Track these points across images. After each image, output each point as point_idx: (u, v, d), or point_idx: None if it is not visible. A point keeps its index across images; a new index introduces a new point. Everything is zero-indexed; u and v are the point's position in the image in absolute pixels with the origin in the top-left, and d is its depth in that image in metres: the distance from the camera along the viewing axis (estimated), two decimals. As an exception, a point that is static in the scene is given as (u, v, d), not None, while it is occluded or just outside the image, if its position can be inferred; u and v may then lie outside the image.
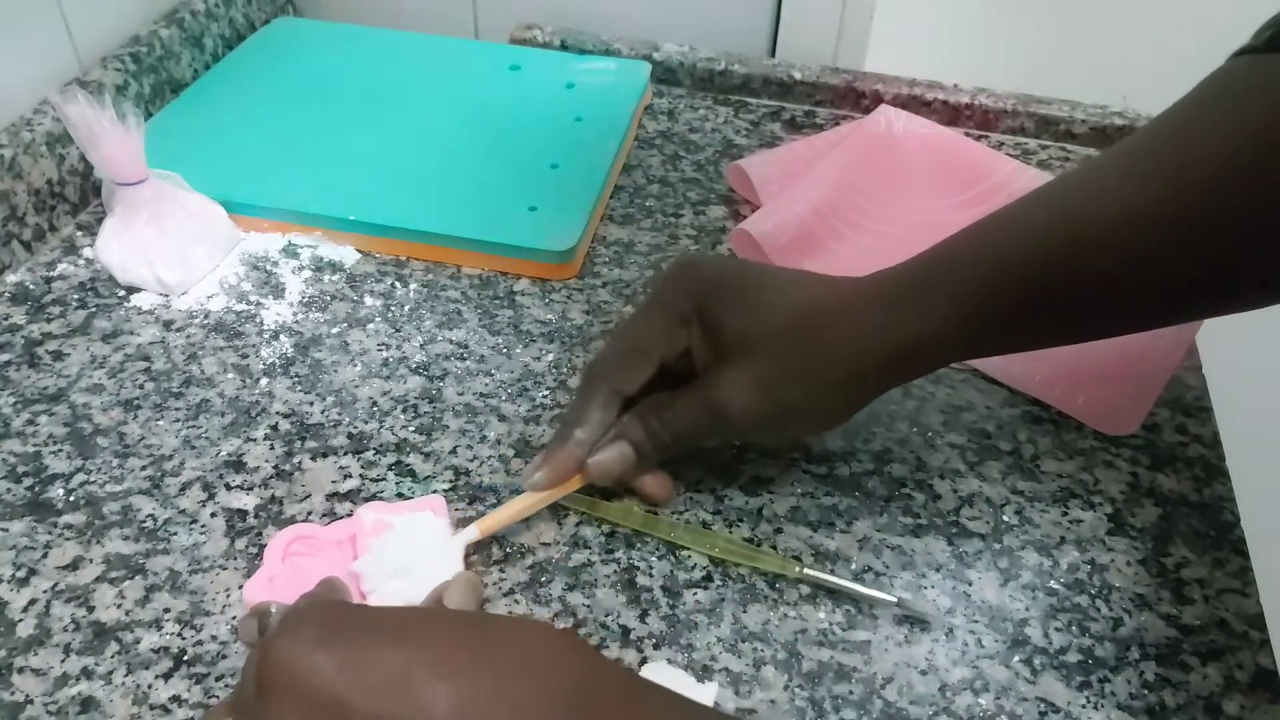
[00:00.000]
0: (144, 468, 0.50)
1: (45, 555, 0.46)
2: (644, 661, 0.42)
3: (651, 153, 0.73)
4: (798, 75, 0.77)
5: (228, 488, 0.49)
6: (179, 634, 0.43)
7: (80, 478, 0.49)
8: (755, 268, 0.48)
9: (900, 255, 0.61)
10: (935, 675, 0.42)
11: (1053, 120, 0.75)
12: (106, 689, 0.41)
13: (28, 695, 0.41)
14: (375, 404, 0.53)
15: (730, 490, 0.50)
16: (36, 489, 0.48)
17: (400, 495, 0.49)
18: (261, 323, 0.58)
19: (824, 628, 0.44)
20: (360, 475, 0.50)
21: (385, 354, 0.56)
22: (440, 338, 0.57)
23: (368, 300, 0.59)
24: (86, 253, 0.62)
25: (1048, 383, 0.54)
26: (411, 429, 0.52)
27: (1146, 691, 0.42)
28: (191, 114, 0.70)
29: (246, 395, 0.53)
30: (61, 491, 0.48)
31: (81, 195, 0.65)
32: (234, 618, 0.43)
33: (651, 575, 0.46)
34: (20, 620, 0.43)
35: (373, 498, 0.48)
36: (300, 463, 0.50)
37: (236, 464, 0.50)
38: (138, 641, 0.43)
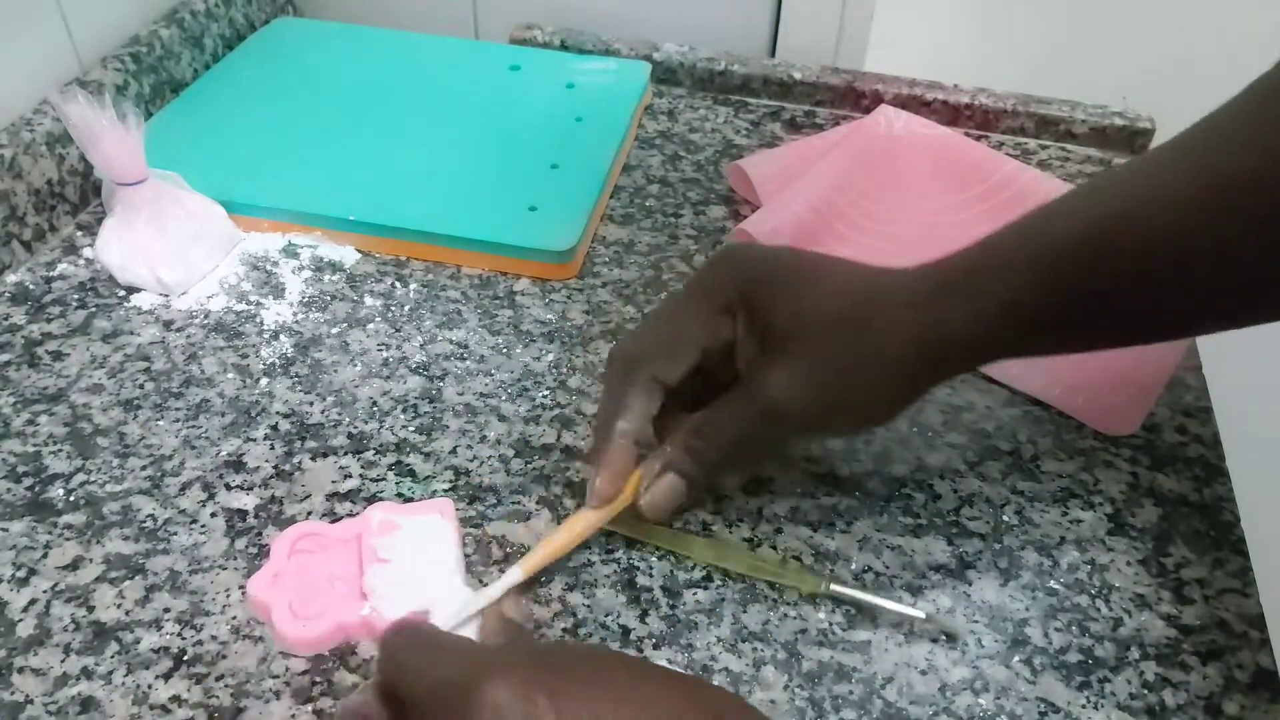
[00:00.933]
0: (144, 468, 0.50)
1: (45, 555, 0.46)
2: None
3: (651, 153, 0.73)
4: (798, 75, 0.77)
5: (228, 488, 0.49)
6: (179, 634, 0.43)
7: (80, 478, 0.49)
8: (801, 256, 0.46)
9: (900, 255, 0.61)
10: (935, 675, 0.42)
11: (1053, 120, 0.75)
12: (106, 689, 0.41)
13: (28, 695, 0.41)
14: (375, 404, 0.53)
15: (730, 490, 0.50)
16: (36, 489, 0.48)
17: (400, 495, 0.49)
18: (261, 323, 0.58)
19: (824, 628, 0.44)
20: (360, 475, 0.50)
21: (385, 354, 0.56)
22: (440, 338, 0.57)
23: (368, 300, 0.60)
24: (86, 253, 0.62)
25: (1048, 383, 0.54)
26: (411, 429, 0.52)
27: (1146, 691, 0.42)
28: (191, 114, 0.70)
29: (246, 395, 0.53)
30: (61, 491, 0.48)
31: (81, 195, 0.65)
32: (234, 617, 0.43)
33: (651, 575, 0.46)
34: (20, 620, 0.43)
35: (373, 498, 0.48)
36: (300, 463, 0.50)
37: (236, 464, 0.50)
38: (138, 641, 0.43)
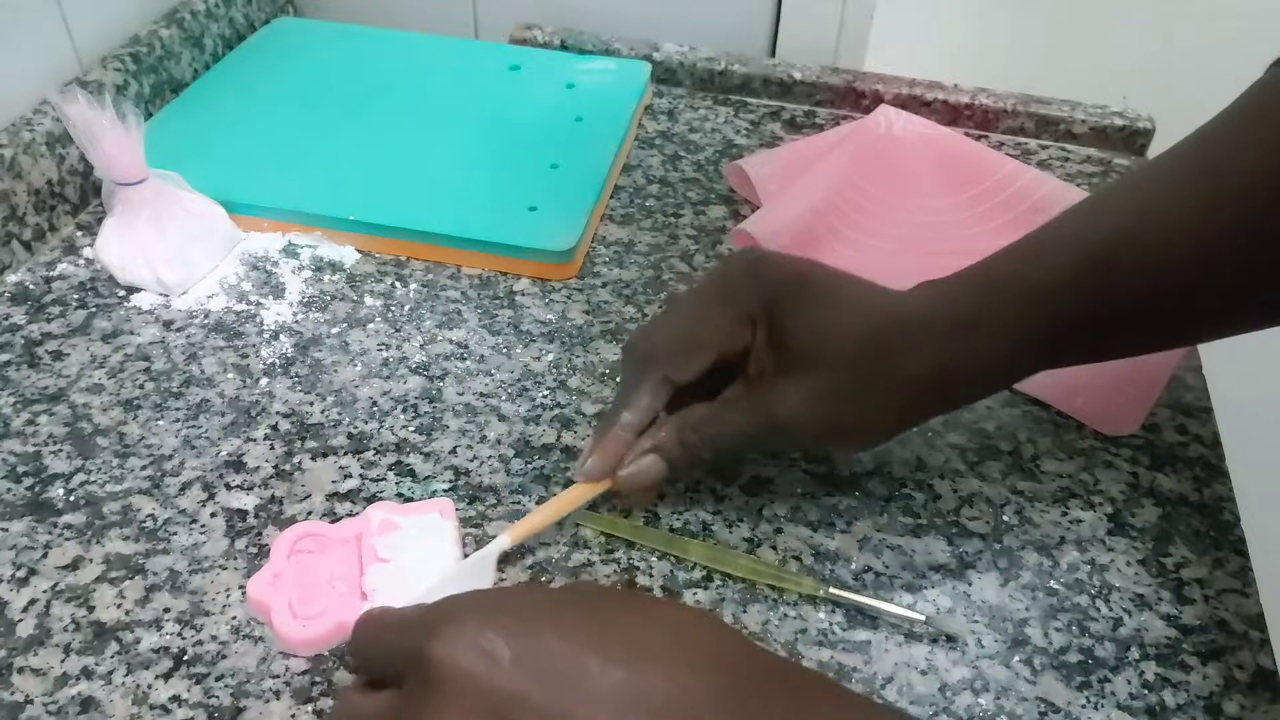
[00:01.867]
0: (144, 468, 0.50)
1: (45, 555, 0.46)
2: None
3: (651, 153, 0.73)
4: (798, 75, 0.77)
5: (228, 488, 0.49)
6: (179, 634, 0.43)
7: (80, 478, 0.49)
8: (824, 274, 0.46)
9: (900, 255, 0.61)
10: (935, 675, 0.42)
11: (1053, 120, 0.75)
12: (106, 689, 0.41)
13: (28, 695, 0.41)
14: (375, 404, 0.53)
15: (730, 490, 0.50)
16: (36, 489, 0.48)
17: (400, 495, 0.49)
18: (261, 323, 0.58)
19: (824, 628, 0.44)
20: (360, 475, 0.50)
21: (385, 354, 0.56)
22: (440, 338, 0.57)
23: (368, 300, 0.59)
24: (86, 253, 0.62)
25: (1048, 383, 0.54)
26: (411, 429, 0.52)
27: (1146, 691, 0.42)
28: (191, 114, 0.70)
29: (246, 395, 0.53)
30: (61, 491, 0.48)
31: (81, 195, 0.65)
32: (234, 617, 0.43)
33: (651, 575, 0.46)
34: (20, 620, 0.43)
35: (373, 498, 0.48)
36: (300, 463, 0.50)
37: (236, 464, 0.50)
38: (138, 641, 0.43)
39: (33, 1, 0.64)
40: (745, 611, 0.45)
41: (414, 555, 0.44)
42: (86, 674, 0.41)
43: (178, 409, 0.53)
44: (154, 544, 0.46)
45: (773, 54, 0.84)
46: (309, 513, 0.48)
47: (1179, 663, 0.43)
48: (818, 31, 0.81)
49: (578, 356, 0.56)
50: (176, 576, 0.45)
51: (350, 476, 0.50)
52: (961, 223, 0.65)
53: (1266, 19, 0.81)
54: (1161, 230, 0.42)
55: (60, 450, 0.50)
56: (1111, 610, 0.45)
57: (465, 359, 0.56)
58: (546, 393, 0.54)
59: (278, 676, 0.42)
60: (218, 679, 0.41)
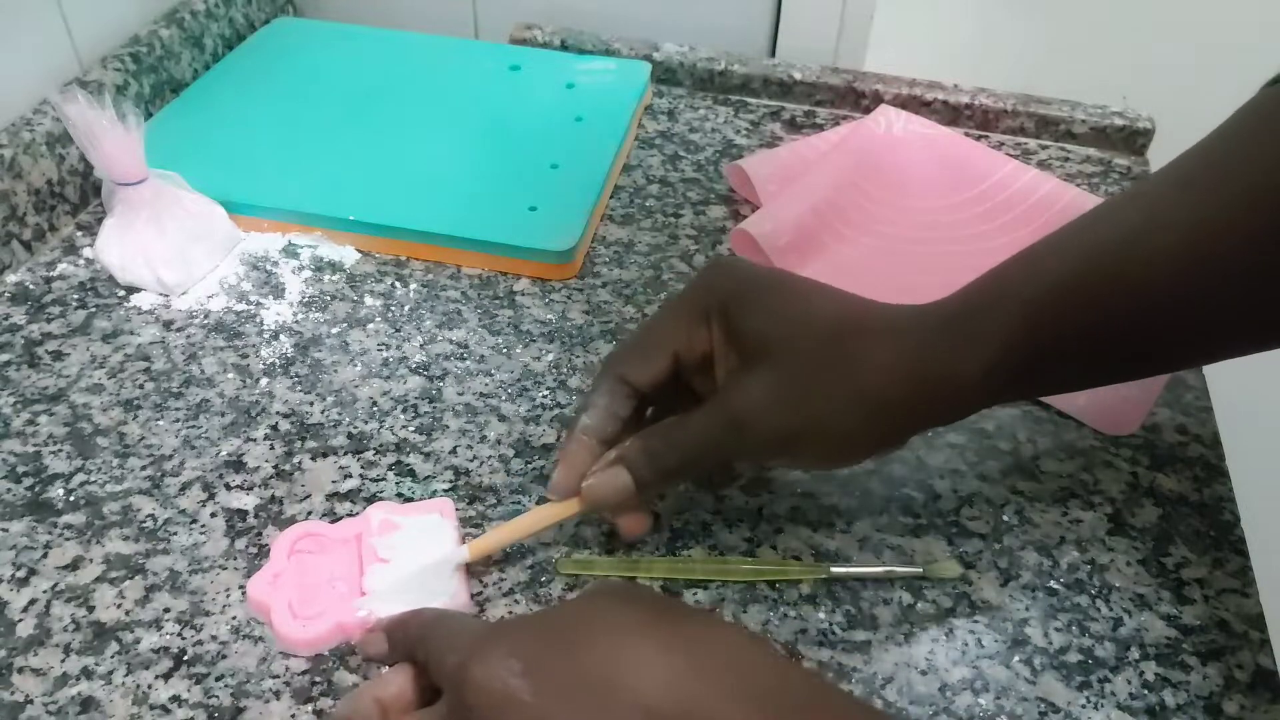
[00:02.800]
0: (144, 468, 0.50)
1: (45, 555, 0.46)
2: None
3: (651, 153, 0.73)
4: (798, 75, 0.77)
5: (228, 488, 0.49)
6: (179, 634, 0.43)
7: (80, 478, 0.49)
8: (788, 275, 0.45)
9: (900, 255, 0.61)
10: (935, 675, 0.42)
11: (1053, 120, 0.75)
12: (106, 689, 0.41)
13: (28, 695, 0.41)
14: (375, 404, 0.53)
15: (730, 490, 0.49)
16: (36, 489, 0.48)
17: (400, 495, 0.49)
18: (261, 323, 0.58)
19: (824, 628, 0.44)
20: (360, 475, 0.50)
21: (385, 354, 0.56)
22: (440, 338, 0.57)
23: (368, 300, 0.59)
24: (86, 253, 0.62)
25: (1048, 383, 0.54)
26: (411, 429, 0.52)
27: (1146, 691, 0.42)
28: (191, 114, 0.70)
29: (246, 395, 0.53)
30: (61, 491, 0.48)
31: (81, 195, 0.65)
32: (234, 617, 0.43)
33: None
34: (20, 620, 0.43)
35: (373, 498, 0.48)
36: (300, 463, 0.50)
37: (236, 464, 0.50)
38: (138, 641, 0.43)
39: (33, 1, 0.64)
40: (745, 611, 0.45)
41: (414, 556, 0.44)
42: (86, 674, 0.41)
43: (178, 409, 0.53)
44: (154, 544, 0.46)
45: (773, 54, 0.84)
46: (309, 513, 0.48)
47: (1179, 663, 0.43)
48: (818, 31, 0.81)
49: (578, 356, 0.56)
50: (176, 576, 0.45)
51: (350, 476, 0.50)
52: (961, 223, 0.65)
53: (1266, 19, 0.81)
54: (1155, 247, 0.40)
55: (60, 450, 0.50)
56: (1111, 610, 0.45)
57: (465, 359, 0.56)
58: (546, 393, 0.54)
59: (278, 676, 0.42)
60: (218, 679, 0.41)
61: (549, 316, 0.59)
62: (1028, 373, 0.42)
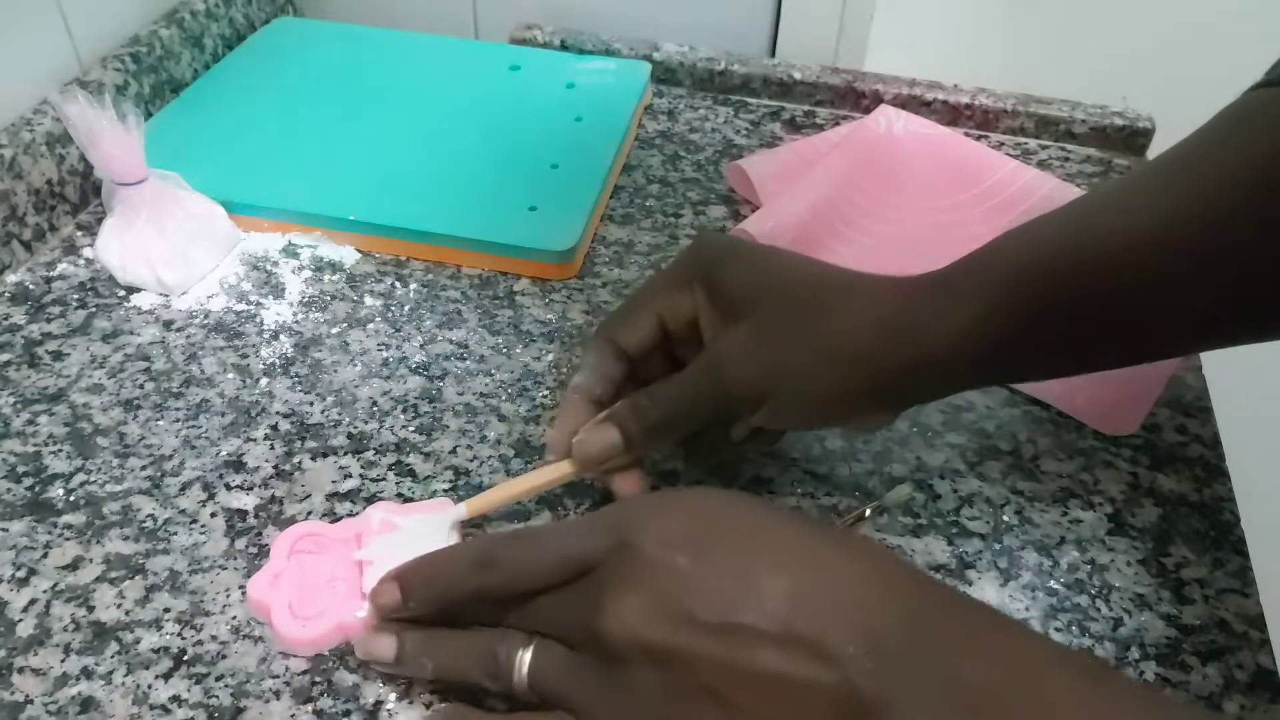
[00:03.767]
0: (144, 468, 0.50)
1: (45, 555, 0.46)
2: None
3: (651, 153, 0.73)
4: (798, 75, 0.77)
5: (228, 488, 0.49)
6: (179, 634, 0.43)
7: (80, 478, 0.49)
8: (768, 245, 0.47)
9: (900, 255, 0.61)
10: (935, 675, 0.42)
11: (1053, 120, 0.75)
12: (106, 689, 0.41)
13: (28, 695, 0.41)
14: (375, 404, 0.53)
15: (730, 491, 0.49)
16: (36, 489, 0.48)
17: (400, 495, 0.49)
18: (261, 323, 0.58)
19: (824, 628, 0.44)
20: (360, 475, 0.50)
21: (385, 354, 0.56)
22: (440, 338, 0.57)
23: (368, 300, 0.60)
24: (86, 253, 0.62)
25: (1048, 383, 0.54)
26: (411, 429, 0.52)
27: (1146, 691, 0.42)
28: (191, 114, 0.70)
29: (246, 395, 0.53)
30: (61, 491, 0.48)
31: (81, 195, 0.65)
32: (234, 617, 0.43)
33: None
34: (20, 620, 0.43)
35: (373, 498, 0.48)
36: (300, 463, 0.50)
37: (236, 464, 0.50)
38: (138, 641, 0.43)
39: (33, 1, 0.64)
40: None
41: (414, 556, 0.44)
42: (86, 674, 0.41)
43: (178, 409, 0.53)
44: (154, 544, 0.46)
45: (773, 54, 0.84)
46: (309, 513, 0.48)
47: (1179, 663, 0.43)
48: (818, 31, 0.81)
49: (578, 357, 0.56)
50: (176, 576, 0.45)
51: (350, 476, 0.50)
52: (961, 223, 0.65)
53: (1266, 19, 0.81)
54: (1132, 231, 0.42)
55: (60, 450, 0.50)
56: (1111, 610, 0.45)
57: (465, 359, 0.56)
58: (546, 393, 0.54)
59: (278, 676, 0.42)
60: (218, 679, 0.41)
61: (549, 316, 0.59)
62: (1004, 346, 0.42)
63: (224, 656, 0.42)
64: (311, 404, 0.53)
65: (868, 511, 0.48)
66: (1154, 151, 0.75)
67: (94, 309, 0.58)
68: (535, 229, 0.61)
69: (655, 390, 0.45)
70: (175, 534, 0.47)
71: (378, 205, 0.63)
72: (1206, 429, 0.54)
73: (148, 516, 0.47)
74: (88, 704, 0.40)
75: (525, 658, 0.37)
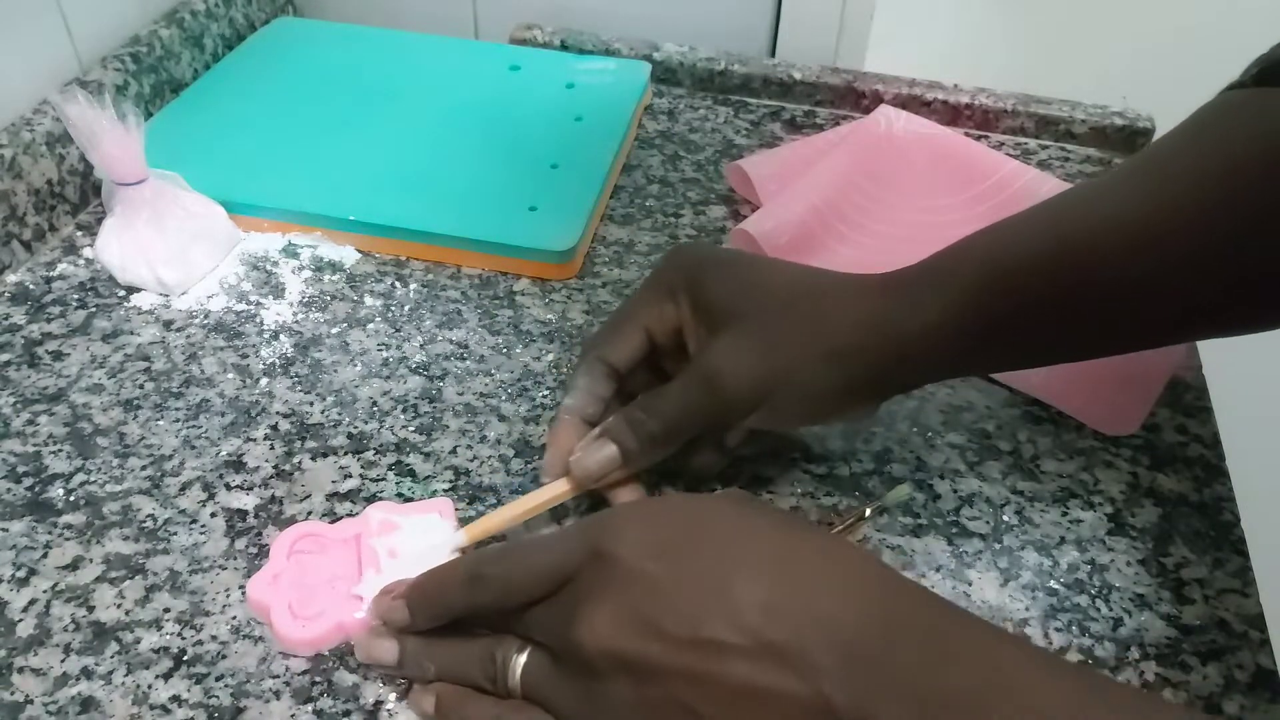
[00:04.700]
0: (144, 468, 0.50)
1: (45, 555, 0.46)
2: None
3: (651, 153, 0.73)
4: (798, 75, 0.77)
5: (228, 488, 0.49)
6: (179, 634, 0.43)
7: (80, 478, 0.49)
8: (746, 252, 0.48)
9: (900, 255, 0.61)
10: (935, 675, 0.42)
11: (1053, 120, 0.75)
12: (106, 689, 0.41)
13: (28, 695, 0.41)
14: (375, 404, 0.53)
15: (730, 490, 0.49)
16: (36, 489, 0.48)
17: (400, 495, 0.49)
18: (261, 323, 0.58)
19: (824, 628, 0.44)
20: (360, 475, 0.50)
21: (385, 354, 0.56)
22: (440, 338, 0.57)
23: (368, 300, 0.59)
24: (86, 253, 0.62)
25: (1048, 383, 0.54)
26: (411, 429, 0.52)
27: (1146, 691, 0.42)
28: (191, 114, 0.70)
29: (246, 395, 0.53)
30: (61, 491, 0.48)
31: (81, 195, 0.65)
32: (234, 617, 0.43)
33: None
34: (20, 620, 0.43)
35: (373, 498, 0.48)
36: (300, 463, 0.50)
37: (236, 464, 0.50)
38: (138, 641, 0.43)
39: (33, 1, 0.64)
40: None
41: (414, 556, 0.44)
42: (86, 674, 0.41)
43: (178, 409, 0.53)
44: (154, 544, 0.46)
45: (773, 54, 0.84)
46: (309, 513, 0.48)
47: (1179, 663, 0.43)
48: (818, 31, 0.81)
49: (578, 356, 0.56)
50: (176, 576, 0.45)
51: (350, 476, 0.50)
52: (961, 223, 0.65)
53: (1266, 19, 0.81)
54: (1107, 225, 0.43)
55: (60, 450, 0.50)
56: (1111, 610, 0.45)
57: (465, 359, 0.56)
58: (546, 393, 0.54)
59: (278, 676, 0.42)
60: (218, 679, 0.41)
61: (549, 316, 0.59)
62: (980, 337, 0.44)
63: (224, 656, 0.42)
64: (311, 404, 0.53)
65: (868, 511, 0.48)
66: (1154, 151, 0.75)
67: (94, 309, 0.58)
68: (535, 229, 0.61)
69: (649, 403, 0.45)
70: (175, 534, 0.47)
71: (378, 205, 0.63)
72: (1206, 429, 0.54)
73: (148, 516, 0.47)
74: (88, 704, 0.40)
75: (519, 663, 0.37)
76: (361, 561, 0.44)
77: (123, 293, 0.59)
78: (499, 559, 0.39)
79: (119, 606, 0.44)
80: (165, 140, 0.64)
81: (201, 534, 0.47)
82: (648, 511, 0.37)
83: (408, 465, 0.50)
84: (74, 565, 0.45)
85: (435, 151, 0.68)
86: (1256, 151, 0.40)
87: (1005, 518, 0.49)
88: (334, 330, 0.57)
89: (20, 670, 0.41)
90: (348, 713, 0.40)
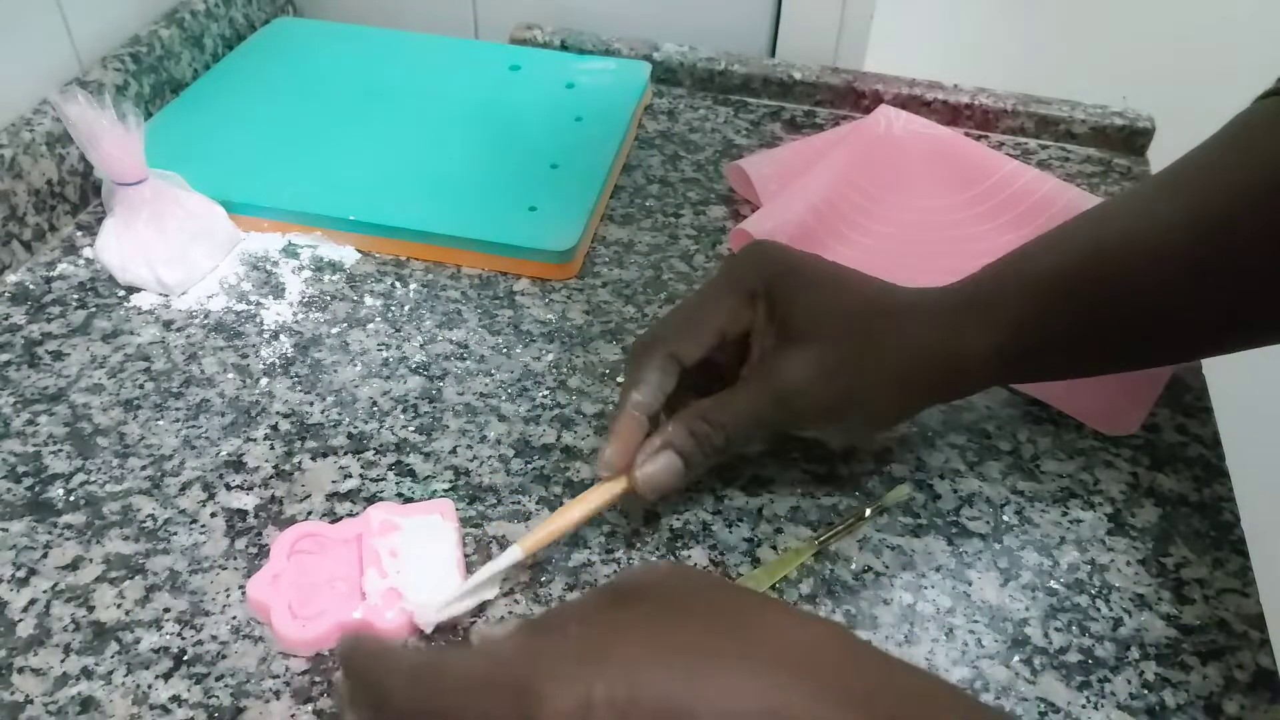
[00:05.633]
0: (144, 468, 0.50)
1: (45, 555, 0.46)
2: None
3: (651, 153, 0.73)
4: (798, 75, 0.77)
5: (228, 488, 0.49)
6: (179, 634, 0.43)
7: (80, 478, 0.49)
8: (822, 261, 0.47)
9: (900, 255, 0.61)
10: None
11: (1053, 120, 0.75)
12: (106, 689, 0.41)
13: (28, 695, 0.41)
14: (375, 404, 0.53)
15: (730, 490, 0.50)
16: (36, 489, 0.48)
17: (400, 495, 0.49)
18: (261, 323, 0.58)
19: (824, 628, 0.44)
20: (360, 475, 0.50)
21: (385, 354, 0.56)
22: (440, 338, 0.57)
23: (368, 300, 0.59)
24: (86, 253, 0.62)
25: (1048, 383, 0.54)
26: (411, 429, 0.52)
27: (1146, 691, 0.42)
28: (191, 114, 0.70)
29: (246, 395, 0.53)
30: (61, 491, 0.48)
31: (81, 195, 0.65)
32: (234, 617, 0.43)
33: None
34: (20, 620, 0.43)
35: (373, 498, 0.48)
36: (300, 463, 0.50)
37: (236, 464, 0.50)
38: (138, 641, 0.43)
39: (33, 1, 0.64)
40: (745, 611, 0.44)
41: (414, 556, 0.44)
42: (86, 674, 0.41)
43: (178, 409, 0.53)
44: (154, 544, 0.46)
45: (773, 54, 0.84)
46: (309, 513, 0.48)
47: (1179, 663, 0.43)
48: (818, 31, 0.81)
49: (578, 356, 0.56)
50: (176, 576, 0.45)
51: (350, 476, 0.50)
52: (961, 222, 0.65)
53: (1267, 19, 0.81)
54: (1145, 243, 0.44)
55: (60, 450, 0.50)
56: (1111, 610, 0.45)
57: (465, 359, 0.56)
58: (546, 393, 0.54)
59: (278, 676, 0.42)
60: (218, 679, 0.41)
61: (549, 316, 0.59)
62: (1034, 353, 0.46)
63: (224, 656, 0.42)
64: (311, 404, 0.53)
65: (868, 512, 0.48)
66: (1154, 152, 0.75)
67: (94, 309, 0.58)
68: (535, 229, 0.61)
69: (714, 414, 0.44)
70: (175, 534, 0.47)
71: (378, 205, 0.63)
72: (1206, 429, 0.54)
73: (148, 516, 0.47)
74: (88, 704, 0.40)
75: None
76: (363, 561, 0.44)
77: (123, 293, 0.59)
78: (408, 687, 0.30)
79: (119, 606, 0.44)
80: (165, 140, 0.64)
81: (201, 534, 0.47)
82: (582, 657, 0.29)
83: (408, 465, 0.50)
84: (74, 565, 0.45)
85: (435, 151, 0.68)
86: None
87: (1005, 518, 0.49)
88: (334, 330, 0.57)
89: (20, 670, 0.41)
90: (348, 713, 0.40)
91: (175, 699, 0.41)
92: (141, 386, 0.54)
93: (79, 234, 0.63)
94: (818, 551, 0.47)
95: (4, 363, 0.55)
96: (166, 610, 0.44)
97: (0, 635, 0.43)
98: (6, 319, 0.57)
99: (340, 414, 0.53)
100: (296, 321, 0.58)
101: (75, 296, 0.59)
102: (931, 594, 0.46)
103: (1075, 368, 0.49)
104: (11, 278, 0.60)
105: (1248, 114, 0.44)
